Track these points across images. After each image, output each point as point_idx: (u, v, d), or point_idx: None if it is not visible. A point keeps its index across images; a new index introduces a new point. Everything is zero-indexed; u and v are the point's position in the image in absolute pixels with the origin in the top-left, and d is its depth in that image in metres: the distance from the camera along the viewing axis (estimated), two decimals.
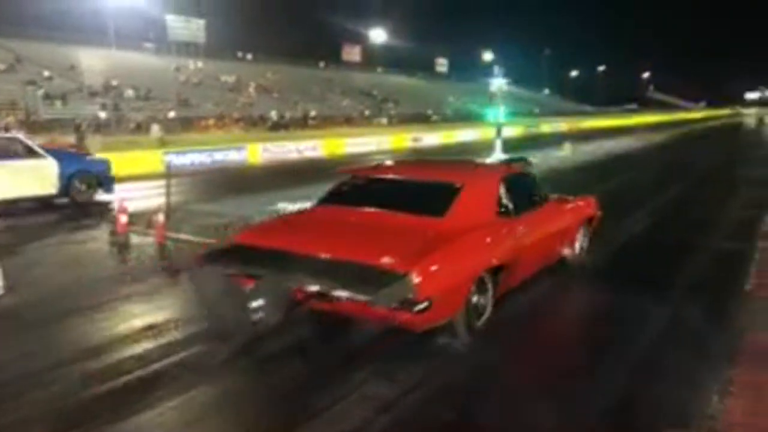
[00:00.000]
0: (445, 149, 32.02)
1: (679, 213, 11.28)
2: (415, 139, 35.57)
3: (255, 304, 4.26)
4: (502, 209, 5.65)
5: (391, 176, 6.38)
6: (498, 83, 24.10)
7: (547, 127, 53.11)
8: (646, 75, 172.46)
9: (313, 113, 54.77)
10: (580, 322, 5.70)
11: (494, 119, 24.74)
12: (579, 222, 7.18)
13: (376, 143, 32.21)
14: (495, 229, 5.37)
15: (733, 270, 6.96)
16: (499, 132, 23.21)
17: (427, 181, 6.03)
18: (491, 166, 7.95)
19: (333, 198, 6.13)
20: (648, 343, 4.88)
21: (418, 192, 5.76)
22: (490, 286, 5.06)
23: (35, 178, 11.45)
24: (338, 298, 4.25)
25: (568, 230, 6.92)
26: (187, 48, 62.76)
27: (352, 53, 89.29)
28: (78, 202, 12.05)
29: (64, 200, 11.98)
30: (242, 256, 4.87)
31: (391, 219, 5.25)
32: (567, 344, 5.12)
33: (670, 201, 12.59)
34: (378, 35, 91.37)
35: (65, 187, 11.88)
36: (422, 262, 4.32)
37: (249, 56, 73.49)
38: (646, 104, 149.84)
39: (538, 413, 3.78)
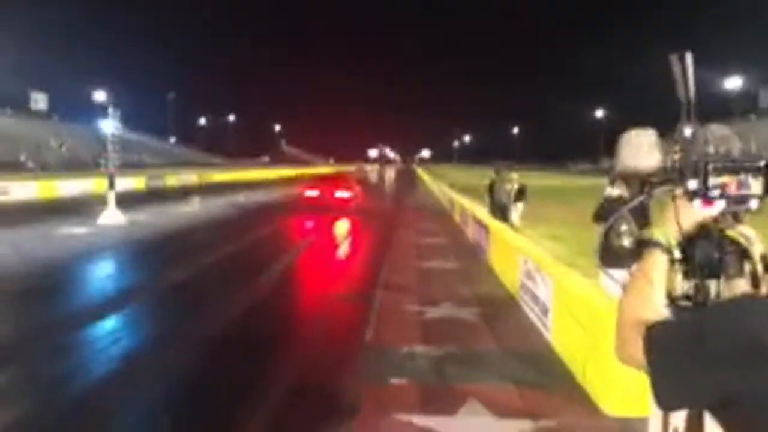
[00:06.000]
0: (43, 205, 26.66)
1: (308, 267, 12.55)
2: (2, 192, 28.85)
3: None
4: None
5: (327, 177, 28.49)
6: (111, 127, 20.21)
7: (174, 179, 48.27)
8: (277, 128, 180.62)
9: None
10: None
11: (105, 169, 20.94)
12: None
13: None
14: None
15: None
16: (111, 184, 19.52)
17: (336, 176, 28.84)
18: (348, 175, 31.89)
19: (315, 181, 25.99)
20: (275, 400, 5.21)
21: (337, 179, 26.50)
22: None
23: None
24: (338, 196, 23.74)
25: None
26: None
27: None
28: None
29: None
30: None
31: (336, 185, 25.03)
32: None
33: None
34: None
35: None
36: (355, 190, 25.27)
37: None
38: (279, 157, 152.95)
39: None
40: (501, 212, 14.86)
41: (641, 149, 1.64)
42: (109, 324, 7.72)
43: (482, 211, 15.13)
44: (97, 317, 7.86)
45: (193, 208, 24.90)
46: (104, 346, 6.88)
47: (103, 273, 11.93)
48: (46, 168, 57.30)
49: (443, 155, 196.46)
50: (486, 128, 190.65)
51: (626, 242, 4.50)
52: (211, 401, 5.27)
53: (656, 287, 1.38)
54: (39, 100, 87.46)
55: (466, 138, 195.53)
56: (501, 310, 8.22)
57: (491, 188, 15.52)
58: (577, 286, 6.15)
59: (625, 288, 1.45)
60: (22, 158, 60.54)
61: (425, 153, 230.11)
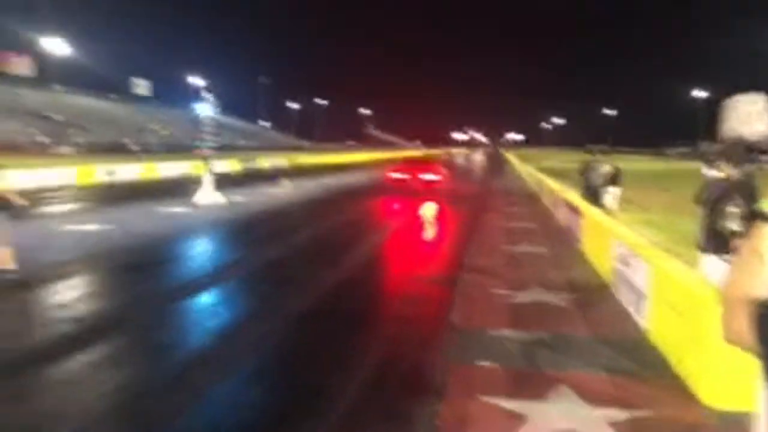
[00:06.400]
0: (145, 185, 28.65)
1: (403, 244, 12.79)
2: (109, 173, 31.61)
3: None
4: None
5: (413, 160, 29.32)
6: (206, 110, 20.96)
7: (266, 161, 50.72)
8: (366, 112, 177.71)
9: None
10: None
11: (201, 151, 21.78)
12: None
13: (57, 177, 27.54)
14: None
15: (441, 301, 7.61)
16: (208, 166, 20.34)
17: (423, 159, 31.31)
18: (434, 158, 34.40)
19: (401, 164, 25.86)
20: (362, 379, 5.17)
21: (423, 162, 27.55)
22: None
23: None
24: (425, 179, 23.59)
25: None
26: None
27: (19, 65, 72.88)
28: None
29: None
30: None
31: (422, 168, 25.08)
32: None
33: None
34: (54, 45, 72.13)
35: None
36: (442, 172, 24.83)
37: None
38: (366, 141, 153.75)
39: None
40: (593, 196, 14.40)
41: (750, 116, 1.52)
42: (207, 297, 8.09)
43: (574, 195, 14.71)
44: (195, 291, 8.25)
45: (285, 189, 25.47)
46: (203, 317, 7.22)
47: (201, 249, 12.48)
48: (147, 150, 60.28)
49: (533, 138, 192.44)
50: (578, 110, 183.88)
51: (734, 225, 4.23)
52: (304, 372, 5.45)
53: (766, 263, 1.29)
54: (140, 86, 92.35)
55: (557, 120, 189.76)
56: (593, 295, 7.98)
57: (584, 171, 15.07)
58: (676, 272, 5.88)
59: (732, 264, 1.36)
60: (126, 141, 63.56)
61: (514, 136, 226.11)
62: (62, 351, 5.80)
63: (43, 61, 74.09)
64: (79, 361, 5.61)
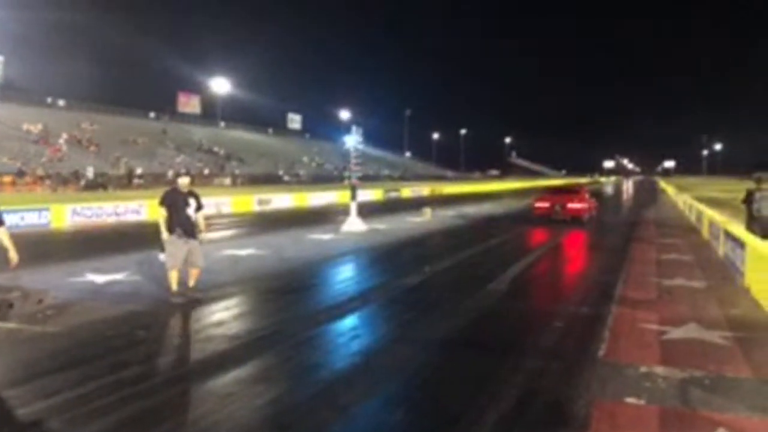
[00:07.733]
0: (295, 213, 30.03)
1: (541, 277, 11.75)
2: (262, 202, 33.26)
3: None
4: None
5: (559, 189, 27.87)
6: (353, 142, 21.42)
7: (408, 191, 52.64)
8: (508, 140, 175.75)
9: (139, 170, 49.47)
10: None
11: (348, 181, 22.65)
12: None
13: (215, 205, 28.36)
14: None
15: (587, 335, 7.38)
16: (353, 195, 21.05)
17: (569, 188, 28.85)
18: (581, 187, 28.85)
19: (546, 193, 24.86)
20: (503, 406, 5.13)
21: (569, 191, 25.53)
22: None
23: None
24: (570, 208, 22.42)
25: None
26: None
27: (189, 104, 79.77)
28: None
29: None
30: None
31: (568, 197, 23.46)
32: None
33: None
34: (220, 85, 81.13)
35: None
36: (588, 202, 23.95)
37: (60, 102, 63.15)
38: (509, 170, 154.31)
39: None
40: (761, 227, 13.30)
41: None
42: (349, 321, 8.34)
43: (737, 226, 13.62)
44: (339, 315, 8.55)
45: (426, 218, 25.80)
46: (345, 341, 7.45)
47: (344, 275, 12.90)
48: (298, 181, 64.46)
49: (690, 166, 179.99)
50: (741, 135, 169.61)
51: None
52: (444, 398, 5.48)
53: None
54: (294, 121, 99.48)
55: (717, 146, 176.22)
56: (759, 334, 7.32)
57: (749, 201, 13.96)
58: None
59: None
60: (280, 172, 68.15)
61: (668, 164, 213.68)
62: (219, 366, 6.25)
63: (208, 100, 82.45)
64: (234, 376, 6.00)
